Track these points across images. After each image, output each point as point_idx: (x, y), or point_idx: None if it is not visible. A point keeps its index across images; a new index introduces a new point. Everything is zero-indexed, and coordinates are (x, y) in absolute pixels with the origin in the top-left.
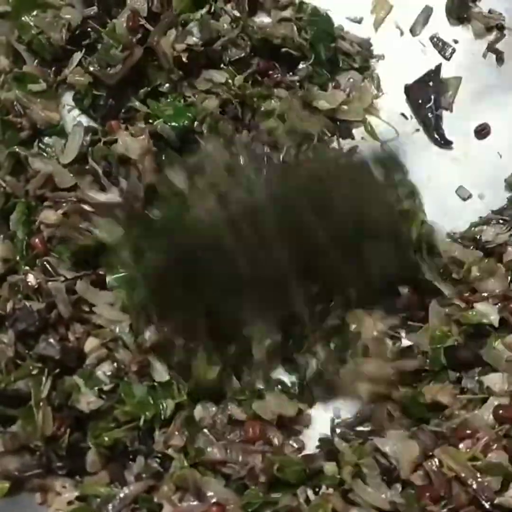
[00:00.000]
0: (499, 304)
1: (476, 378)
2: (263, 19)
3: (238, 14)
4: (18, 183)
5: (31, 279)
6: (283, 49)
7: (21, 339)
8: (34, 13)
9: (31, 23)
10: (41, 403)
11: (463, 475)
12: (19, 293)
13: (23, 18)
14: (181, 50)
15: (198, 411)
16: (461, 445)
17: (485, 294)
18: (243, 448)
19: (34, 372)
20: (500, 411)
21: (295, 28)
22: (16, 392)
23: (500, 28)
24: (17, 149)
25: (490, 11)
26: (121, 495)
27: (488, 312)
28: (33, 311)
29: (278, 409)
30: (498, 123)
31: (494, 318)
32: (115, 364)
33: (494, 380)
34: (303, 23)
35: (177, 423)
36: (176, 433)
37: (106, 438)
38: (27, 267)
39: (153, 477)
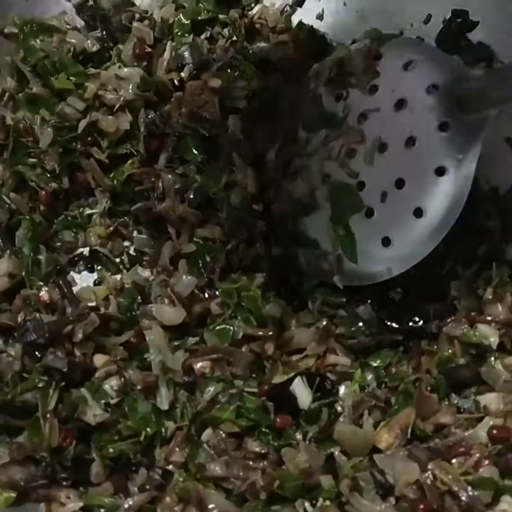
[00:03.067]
0: (501, 329)
1: (472, 397)
2: (259, 44)
3: (235, 38)
4: (23, 200)
5: (43, 294)
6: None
7: (28, 352)
8: (41, 37)
9: (37, 47)
10: (48, 415)
11: (455, 488)
12: (30, 306)
13: (30, 42)
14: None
15: (207, 435)
16: (454, 461)
17: (490, 318)
18: (244, 464)
19: (40, 384)
20: (495, 431)
21: (292, 47)
22: (23, 403)
23: (489, 60)
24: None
25: (479, 43)
26: (125, 505)
27: (489, 334)
28: (44, 323)
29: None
30: None
31: (493, 340)
32: (122, 379)
33: (490, 400)
34: (299, 42)
35: (178, 439)
36: (177, 449)
37: (111, 450)
38: (41, 283)
39: (156, 489)
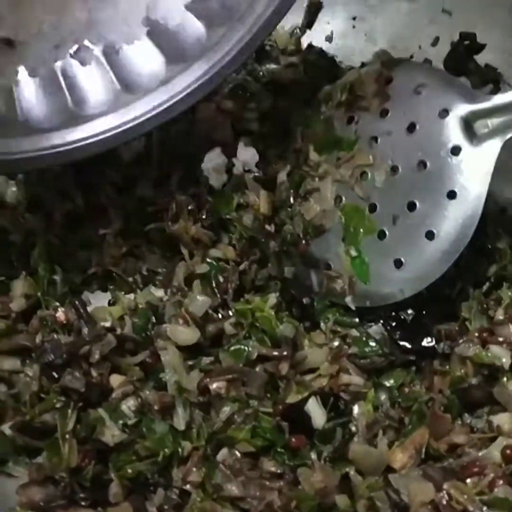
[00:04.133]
0: None
1: (485, 417)
2: (270, 66)
3: None
4: (38, 220)
5: (60, 315)
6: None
7: (46, 373)
8: None
9: None
10: (66, 436)
11: (471, 508)
12: (47, 327)
13: None
14: None
15: (222, 454)
16: (468, 480)
17: (501, 339)
18: (260, 484)
19: (58, 405)
20: (508, 451)
21: (301, 68)
22: (42, 424)
23: (496, 82)
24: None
25: (486, 66)
26: None
27: (501, 355)
28: (61, 344)
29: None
30: None
31: (505, 361)
32: (139, 400)
33: (503, 420)
34: (309, 64)
35: (195, 459)
36: (194, 469)
37: (129, 470)
38: (57, 303)
39: (174, 508)
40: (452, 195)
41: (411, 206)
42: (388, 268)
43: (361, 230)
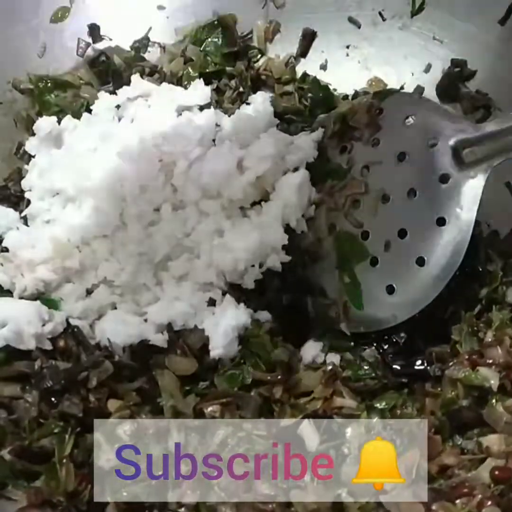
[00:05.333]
0: (501, 372)
1: (475, 439)
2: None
3: (242, 89)
4: None
5: (59, 341)
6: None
7: (44, 398)
8: (55, 92)
9: (52, 101)
10: (64, 460)
11: None
12: (46, 353)
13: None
14: None
15: None
16: (457, 501)
17: (490, 361)
18: (253, 506)
19: (57, 430)
20: (497, 472)
21: (296, 96)
22: (40, 449)
23: (487, 107)
24: None
25: (477, 92)
26: None
27: (489, 376)
28: (60, 370)
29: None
30: None
31: (494, 383)
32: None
33: (492, 441)
34: (304, 92)
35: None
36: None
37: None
38: None
39: None
40: (441, 222)
41: (402, 233)
42: (381, 294)
43: (354, 257)
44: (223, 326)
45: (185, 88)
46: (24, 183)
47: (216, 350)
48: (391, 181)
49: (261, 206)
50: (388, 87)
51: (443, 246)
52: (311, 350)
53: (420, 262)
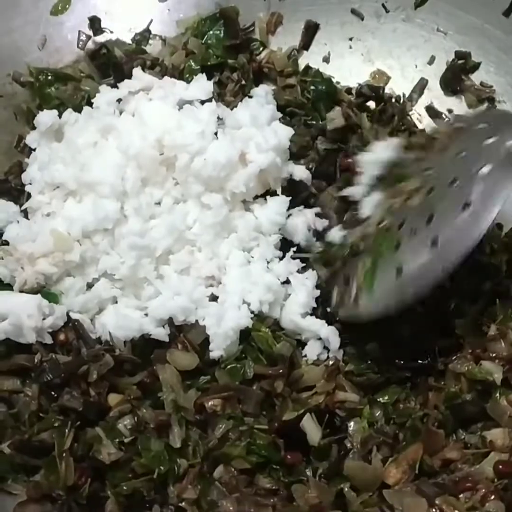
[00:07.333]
0: (505, 365)
1: (479, 433)
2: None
3: (244, 82)
4: None
5: (59, 335)
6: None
7: (44, 392)
8: (56, 85)
9: (52, 94)
10: (64, 454)
11: None
12: (46, 347)
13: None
14: None
15: (219, 471)
16: (461, 496)
17: (493, 355)
18: (255, 500)
19: (57, 424)
20: (500, 466)
21: (299, 89)
22: (40, 443)
23: (491, 100)
24: None
25: (481, 84)
26: None
27: (493, 370)
28: (60, 363)
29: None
30: None
31: (497, 376)
32: (136, 418)
33: (496, 435)
34: (306, 84)
35: (190, 476)
36: (190, 486)
37: (125, 488)
38: None
39: None
40: (466, 206)
41: (430, 219)
42: (390, 277)
43: (386, 246)
44: (224, 327)
45: (187, 81)
46: (25, 177)
47: (217, 351)
48: (439, 173)
49: (265, 200)
50: (391, 79)
51: (460, 230)
52: (315, 349)
53: (434, 242)
